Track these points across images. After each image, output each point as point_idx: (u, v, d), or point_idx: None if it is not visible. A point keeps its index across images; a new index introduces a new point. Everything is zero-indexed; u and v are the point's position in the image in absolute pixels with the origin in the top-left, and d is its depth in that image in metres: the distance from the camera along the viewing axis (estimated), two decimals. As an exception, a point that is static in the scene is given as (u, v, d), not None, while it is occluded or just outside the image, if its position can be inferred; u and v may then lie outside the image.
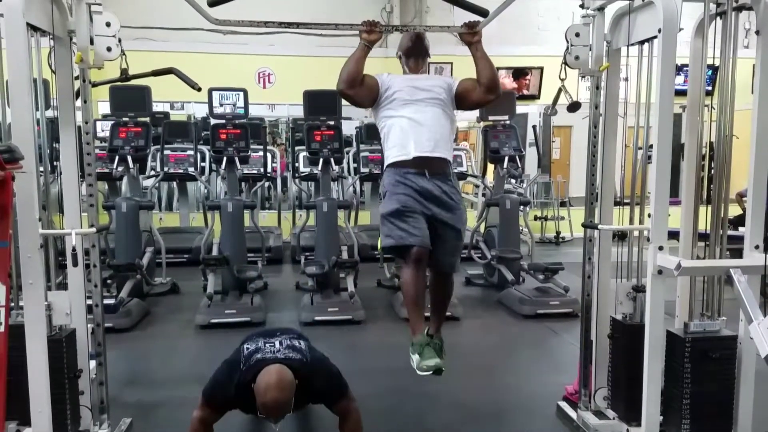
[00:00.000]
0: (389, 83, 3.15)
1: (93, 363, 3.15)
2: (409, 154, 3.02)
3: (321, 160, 6.24)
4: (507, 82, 10.29)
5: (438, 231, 3.04)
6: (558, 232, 9.87)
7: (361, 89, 3.09)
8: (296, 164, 8.08)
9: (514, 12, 9.28)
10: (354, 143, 8.37)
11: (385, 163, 3.15)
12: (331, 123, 6.32)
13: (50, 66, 2.90)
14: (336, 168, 6.49)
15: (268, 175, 8.34)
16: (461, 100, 3.17)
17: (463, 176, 8.32)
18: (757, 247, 2.66)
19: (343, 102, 6.10)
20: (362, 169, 7.79)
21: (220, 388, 2.68)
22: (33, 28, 2.62)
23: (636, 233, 3.20)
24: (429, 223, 3.00)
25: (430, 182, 3.02)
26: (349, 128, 8.75)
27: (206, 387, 2.73)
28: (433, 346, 2.96)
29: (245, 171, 6.99)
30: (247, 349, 2.67)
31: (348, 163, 8.18)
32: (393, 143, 3.09)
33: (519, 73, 10.35)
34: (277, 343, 2.69)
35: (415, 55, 3.24)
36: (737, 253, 2.76)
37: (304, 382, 2.61)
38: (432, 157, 3.03)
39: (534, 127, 8.38)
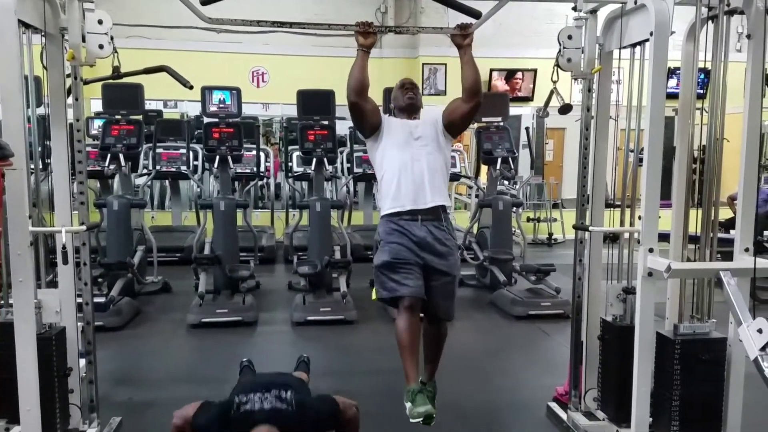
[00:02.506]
0: (388, 122, 3.17)
1: (83, 361, 3.14)
2: (404, 207, 3.04)
3: (314, 159, 6.25)
4: (500, 84, 10.32)
5: (432, 278, 3.05)
6: (550, 234, 9.90)
7: (369, 102, 3.10)
8: (290, 164, 8.08)
9: (508, 14, 9.36)
10: (347, 143, 8.37)
11: (381, 212, 3.16)
12: (325, 123, 6.32)
13: (42, 63, 2.89)
14: (329, 168, 6.49)
15: (261, 174, 8.33)
16: (451, 126, 3.16)
17: (456, 177, 8.34)
18: (747, 249, 2.67)
19: (337, 102, 6.14)
20: (356, 169, 7.80)
21: (209, 425, 2.68)
22: (25, 25, 2.61)
23: (627, 235, 3.21)
24: (423, 270, 3.02)
25: (424, 229, 3.03)
26: (342, 128, 8.74)
27: (198, 416, 2.69)
28: (426, 393, 3.01)
29: (238, 170, 6.98)
30: (239, 398, 2.67)
31: (341, 163, 8.18)
32: (387, 193, 3.09)
33: (509, 75, 10.39)
34: (267, 395, 2.69)
35: (408, 112, 3.24)
36: (728, 256, 2.77)
37: (296, 429, 2.61)
38: (426, 208, 3.05)
39: (527, 128, 8.42)
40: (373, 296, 3.28)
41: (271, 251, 7.97)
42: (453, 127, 3.18)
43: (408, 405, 2.95)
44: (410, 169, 3.05)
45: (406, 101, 3.22)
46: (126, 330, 5.17)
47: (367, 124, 3.14)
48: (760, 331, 2.24)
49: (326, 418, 2.72)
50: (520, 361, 4.71)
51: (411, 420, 2.91)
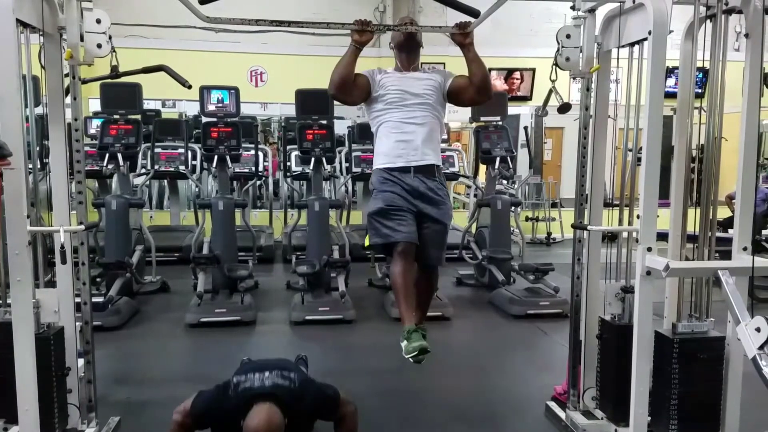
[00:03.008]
0: (381, 82, 3.18)
1: (81, 361, 3.13)
2: (395, 163, 3.11)
3: (313, 159, 6.24)
4: (498, 84, 10.32)
5: (424, 225, 3.12)
6: (549, 233, 9.91)
7: (352, 92, 3.13)
8: (288, 163, 8.07)
9: (506, 14, 9.32)
10: (346, 142, 8.37)
11: (374, 165, 3.23)
12: (323, 122, 6.32)
13: (40, 62, 2.88)
14: (328, 167, 6.49)
15: (260, 174, 8.33)
16: (453, 96, 3.24)
17: (455, 177, 8.34)
18: (745, 248, 2.67)
19: (335, 102, 6.14)
20: (354, 169, 7.79)
21: (209, 409, 2.67)
22: (23, 24, 2.60)
23: (625, 234, 3.21)
24: (415, 218, 3.08)
25: (416, 178, 3.10)
26: (341, 127, 8.75)
27: (196, 403, 2.70)
28: (421, 331, 3.02)
29: (237, 170, 6.97)
30: (237, 378, 2.66)
31: (340, 163, 8.17)
32: (382, 151, 3.17)
33: (508, 74, 10.39)
34: (267, 373, 2.68)
35: (407, 49, 3.26)
36: (726, 255, 2.78)
37: (295, 409, 2.59)
38: (419, 165, 3.12)
39: (526, 128, 8.42)
40: (366, 242, 3.31)
41: (269, 251, 7.97)
42: (454, 98, 3.26)
43: (404, 343, 2.99)
44: (405, 127, 3.11)
45: (405, 35, 3.22)
46: (124, 330, 5.17)
47: (355, 103, 3.27)
48: (758, 329, 2.24)
49: (327, 402, 2.71)
50: (519, 360, 4.71)
51: (405, 355, 2.94)
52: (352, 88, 3.12)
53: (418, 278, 3.24)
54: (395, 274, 3.06)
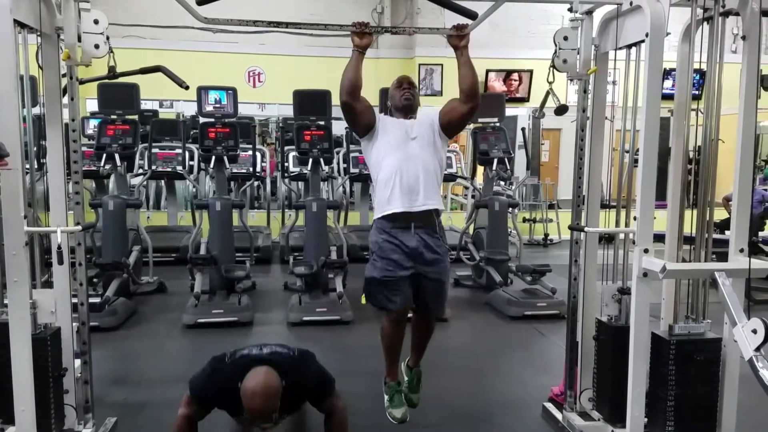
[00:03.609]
0: (383, 121, 3.17)
1: (78, 362, 3.13)
2: (397, 209, 3.06)
3: (310, 160, 6.23)
4: (497, 85, 10.32)
5: (423, 283, 3.12)
6: (546, 235, 9.92)
7: (361, 100, 3.09)
8: (286, 164, 8.06)
9: (504, 15, 9.37)
10: (344, 143, 8.36)
11: (375, 215, 3.19)
12: (321, 123, 6.32)
13: (38, 63, 2.88)
14: (325, 168, 6.49)
15: (258, 174, 8.32)
16: (447, 126, 3.17)
17: (452, 178, 8.35)
18: (741, 250, 2.68)
19: (333, 102, 6.14)
20: (352, 170, 7.79)
21: (206, 383, 2.68)
22: (20, 24, 2.60)
23: (622, 236, 3.22)
24: (413, 277, 3.08)
25: (416, 237, 3.06)
26: (339, 128, 8.74)
27: (192, 382, 2.72)
28: (406, 386, 3.29)
29: (234, 170, 6.97)
30: (235, 348, 2.67)
31: (338, 164, 8.17)
32: (382, 195, 3.11)
33: (506, 75, 10.39)
34: (266, 347, 2.69)
35: (405, 113, 3.22)
36: (722, 257, 2.78)
37: (292, 377, 2.60)
38: (420, 212, 3.07)
39: (523, 129, 8.40)
40: (363, 300, 3.32)
41: (267, 251, 7.96)
42: (449, 127, 3.19)
43: (386, 399, 3.22)
44: (405, 170, 3.06)
45: (403, 102, 3.21)
46: (121, 330, 5.16)
47: (360, 124, 3.14)
48: (754, 331, 2.25)
49: (323, 382, 2.72)
50: (516, 361, 4.72)
51: (387, 416, 3.20)
52: (361, 98, 3.08)
53: (416, 323, 3.30)
54: (384, 333, 3.13)
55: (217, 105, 6.17)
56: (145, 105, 8.44)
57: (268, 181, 9.63)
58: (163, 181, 8.96)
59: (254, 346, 2.70)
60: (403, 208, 3.05)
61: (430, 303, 3.18)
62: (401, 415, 3.17)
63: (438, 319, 3.33)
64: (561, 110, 3.67)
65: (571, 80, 3.23)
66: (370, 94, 3.16)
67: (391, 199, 3.07)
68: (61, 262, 2.81)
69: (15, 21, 2.51)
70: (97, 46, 2.87)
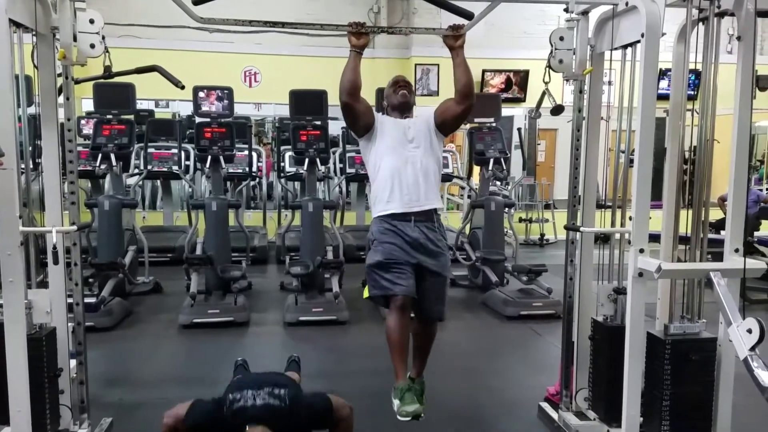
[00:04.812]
0: (381, 121, 3.17)
1: (73, 362, 3.12)
2: (397, 209, 3.06)
3: (307, 160, 6.23)
4: (496, 81, 10.32)
5: (424, 278, 3.09)
6: (542, 234, 9.93)
7: (362, 103, 3.09)
8: (282, 164, 8.06)
9: (500, 16, 9.36)
10: (340, 143, 8.37)
11: (374, 213, 3.18)
12: (317, 123, 6.32)
13: (33, 62, 2.87)
14: (322, 168, 6.48)
15: (254, 174, 8.32)
16: (442, 125, 3.18)
17: (448, 178, 8.35)
18: (737, 250, 2.68)
19: (330, 102, 6.14)
20: (348, 170, 7.79)
21: (202, 422, 2.67)
22: (15, 24, 2.59)
23: (618, 236, 3.22)
24: (415, 271, 3.05)
25: (417, 230, 3.06)
26: (335, 128, 8.74)
27: (191, 413, 2.68)
28: (414, 391, 3.06)
29: (230, 170, 6.97)
30: (232, 395, 2.66)
31: (334, 164, 8.17)
32: (381, 196, 3.11)
33: (507, 82, 10.40)
34: (260, 392, 2.69)
35: (401, 111, 3.23)
36: (718, 257, 2.79)
37: (288, 426, 2.61)
38: (419, 211, 3.07)
39: (519, 129, 8.44)
40: (365, 294, 3.30)
41: (263, 252, 7.95)
42: (445, 126, 3.20)
43: (396, 402, 3.02)
44: (404, 171, 3.06)
45: (399, 99, 3.21)
46: (117, 330, 5.15)
47: (359, 124, 3.14)
48: (749, 331, 2.26)
49: (319, 415, 2.71)
50: (512, 361, 4.72)
51: (399, 417, 2.98)
52: (361, 99, 3.08)
53: (417, 330, 3.24)
54: (390, 329, 3.02)
55: (213, 104, 6.16)
56: (141, 105, 8.41)
57: (264, 181, 9.63)
58: (158, 181, 8.95)
59: (250, 389, 2.66)
60: (402, 209, 3.06)
61: (431, 302, 3.13)
62: (414, 409, 2.94)
63: (439, 319, 3.26)
64: (557, 110, 3.67)
65: (567, 80, 3.24)
66: (366, 93, 3.16)
67: (390, 199, 3.07)
68: (56, 262, 2.81)
69: (10, 20, 2.50)
70: (92, 46, 2.86)
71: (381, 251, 3.04)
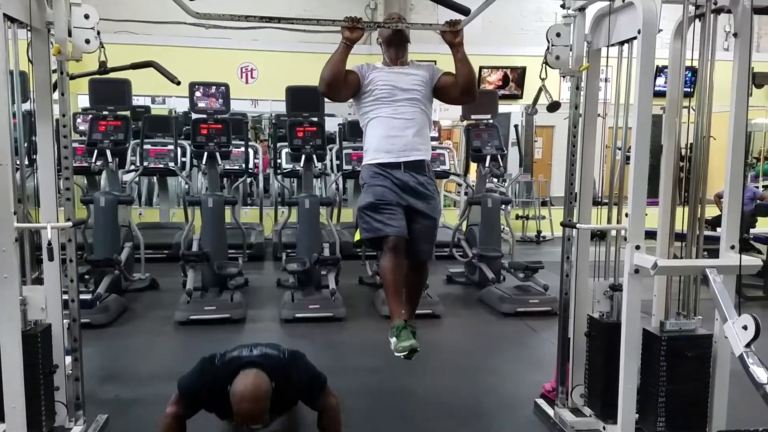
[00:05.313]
0: (370, 77, 3.17)
1: (69, 359, 3.12)
2: (385, 159, 3.10)
3: (303, 156, 6.22)
4: (494, 78, 10.31)
5: (414, 220, 3.11)
6: (539, 231, 9.94)
7: (342, 90, 3.12)
8: (278, 160, 8.05)
9: (497, 12, 9.35)
10: (337, 140, 8.35)
11: (364, 161, 3.22)
12: (314, 119, 6.30)
13: (28, 58, 2.86)
14: (318, 165, 6.48)
15: (250, 171, 8.30)
16: (440, 93, 3.23)
17: (445, 175, 8.35)
18: (732, 247, 2.69)
19: (326, 99, 6.13)
20: (345, 166, 7.77)
21: (195, 384, 2.67)
22: (10, 19, 2.58)
23: (614, 233, 3.22)
24: (405, 212, 3.08)
25: (407, 174, 3.10)
26: (331, 125, 8.73)
27: (181, 381, 2.71)
28: (410, 328, 3.02)
29: (227, 167, 6.95)
30: (224, 350, 2.66)
31: (330, 160, 8.15)
32: (371, 147, 3.16)
33: (505, 79, 10.39)
34: (255, 348, 2.68)
35: (395, 44, 3.22)
36: (714, 253, 2.79)
37: (282, 378, 2.59)
38: (409, 161, 3.10)
39: (516, 126, 8.44)
40: (356, 237, 3.31)
41: (259, 248, 7.94)
42: (440, 95, 3.25)
43: (393, 340, 2.99)
44: (395, 123, 3.10)
45: (392, 34, 3.20)
46: (113, 327, 5.14)
47: (344, 99, 3.25)
48: (745, 327, 2.26)
49: (314, 380, 2.71)
50: (508, 357, 4.73)
51: (395, 353, 2.94)
52: (342, 86, 3.11)
53: (408, 273, 3.23)
54: (385, 270, 3.05)
55: (210, 99, 6.15)
56: (137, 101, 8.40)
57: (260, 177, 9.61)
58: (155, 178, 8.93)
59: (244, 346, 2.69)
60: (391, 159, 3.10)
61: (420, 243, 3.15)
62: (410, 344, 2.88)
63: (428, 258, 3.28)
64: (554, 107, 3.67)
65: (564, 77, 3.24)
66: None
67: (378, 148, 3.12)
68: (51, 258, 2.80)
69: (5, 15, 2.49)
70: (87, 41, 2.85)
71: (372, 192, 3.07)
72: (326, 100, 5.96)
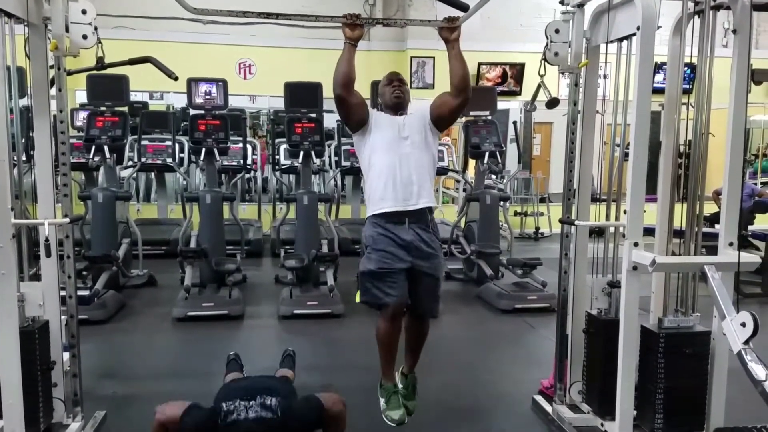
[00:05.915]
0: (375, 117, 3.12)
1: (66, 355, 3.11)
2: (391, 208, 3.02)
3: (302, 152, 6.21)
4: (491, 75, 10.30)
5: (418, 280, 3.07)
6: (537, 228, 9.94)
7: (355, 96, 3.05)
8: (277, 156, 8.04)
9: (496, 8, 9.33)
10: (335, 136, 8.34)
11: (368, 212, 3.15)
12: (312, 115, 6.30)
13: (25, 53, 2.85)
14: (317, 161, 6.47)
15: (248, 167, 8.29)
16: (438, 121, 3.13)
17: (444, 171, 8.34)
18: (731, 244, 2.69)
19: (325, 95, 6.12)
20: (343, 163, 7.76)
21: (198, 429, 2.67)
22: (7, 14, 2.58)
23: (612, 229, 3.22)
24: (408, 272, 3.03)
25: (410, 232, 3.02)
26: (330, 121, 8.71)
27: (186, 419, 2.66)
28: (402, 393, 3.16)
29: (225, 163, 6.94)
30: (226, 406, 2.66)
31: (329, 156, 8.15)
32: (375, 193, 3.07)
33: (503, 75, 10.38)
34: (252, 403, 2.68)
35: (396, 110, 3.17)
36: (712, 250, 2.80)
37: None
38: (413, 210, 3.04)
39: (515, 123, 8.42)
40: (357, 299, 3.30)
41: (258, 245, 7.94)
42: (441, 121, 3.15)
43: (382, 402, 3.09)
44: (398, 169, 3.02)
45: (393, 100, 3.16)
46: (110, 323, 5.14)
47: (353, 119, 3.10)
48: (743, 324, 2.27)
49: (312, 422, 2.73)
50: (506, 354, 4.73)
51: (384, 419, 3.08)
52: (354, 93, 3.04)
53: (410, 325, 3.21)
54: (380, 331, 3.05)
55: (208, 97, 6.13)
56: (135, 96, 8.37)
57: (259, 173, 9.60)
58: (153, 174, 8.92)
59: (243, 399, 2.66)
60: (396, 207, 3.02)
61: (424, 301, 3.12)
62: (399, 416, 3.09)
63: (432, 316, 3.26)
64: (552, 103, 3.67)
65: (563, 73, 3.23)
66: (361, 86, 3.13)
67: (384, 197, 3.03)
68: (48, 254, 2.80)
69: (1, 11, 2.49)
70: (85, 37, 2.84)
71: (375, 260, 3.02)
72: (325, 95, 5.96)
